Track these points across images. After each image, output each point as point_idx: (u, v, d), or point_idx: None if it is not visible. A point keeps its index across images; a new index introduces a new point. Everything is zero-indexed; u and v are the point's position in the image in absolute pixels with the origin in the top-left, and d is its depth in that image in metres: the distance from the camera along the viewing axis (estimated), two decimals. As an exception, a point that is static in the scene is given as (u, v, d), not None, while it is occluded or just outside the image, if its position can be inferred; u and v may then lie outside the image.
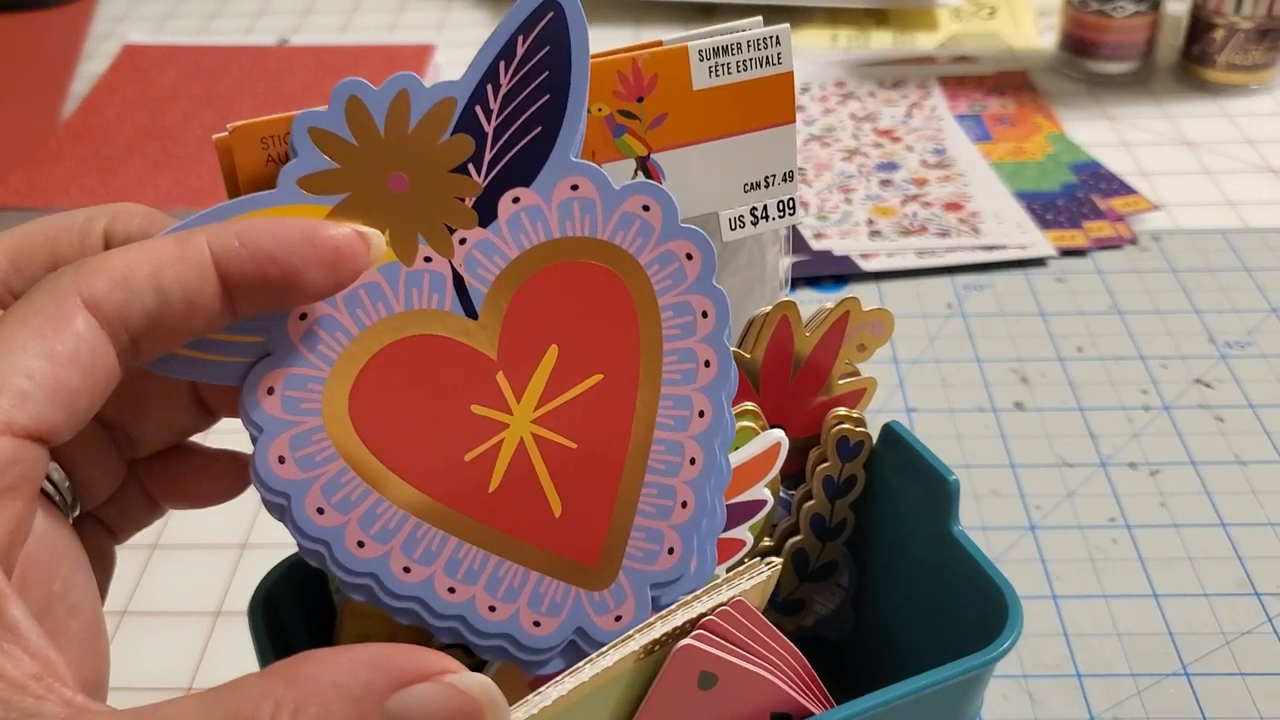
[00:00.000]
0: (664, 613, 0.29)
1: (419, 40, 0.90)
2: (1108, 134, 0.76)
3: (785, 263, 0.37)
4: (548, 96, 0.29)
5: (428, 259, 0.28)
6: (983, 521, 0.49)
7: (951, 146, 0.74)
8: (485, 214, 0.29)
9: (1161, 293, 0.62)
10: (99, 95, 0.83)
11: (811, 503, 0.37)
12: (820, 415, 0.37)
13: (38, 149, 0.76)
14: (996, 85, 0.81)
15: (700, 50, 0.31)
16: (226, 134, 0.28)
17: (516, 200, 0.29)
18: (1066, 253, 0.65)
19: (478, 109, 0.28)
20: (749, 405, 0.34)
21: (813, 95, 0.80)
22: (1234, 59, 0.77)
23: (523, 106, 0.28)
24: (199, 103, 0.81)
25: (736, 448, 0.34)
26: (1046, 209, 0.68)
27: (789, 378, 0.36)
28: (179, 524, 0.51)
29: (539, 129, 0.29)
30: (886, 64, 0.85)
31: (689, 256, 0.30)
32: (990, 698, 0.42)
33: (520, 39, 0.28)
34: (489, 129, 0.28)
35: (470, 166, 0.28)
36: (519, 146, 0.29)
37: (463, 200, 0.28)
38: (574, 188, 0.29)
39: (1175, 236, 0.66)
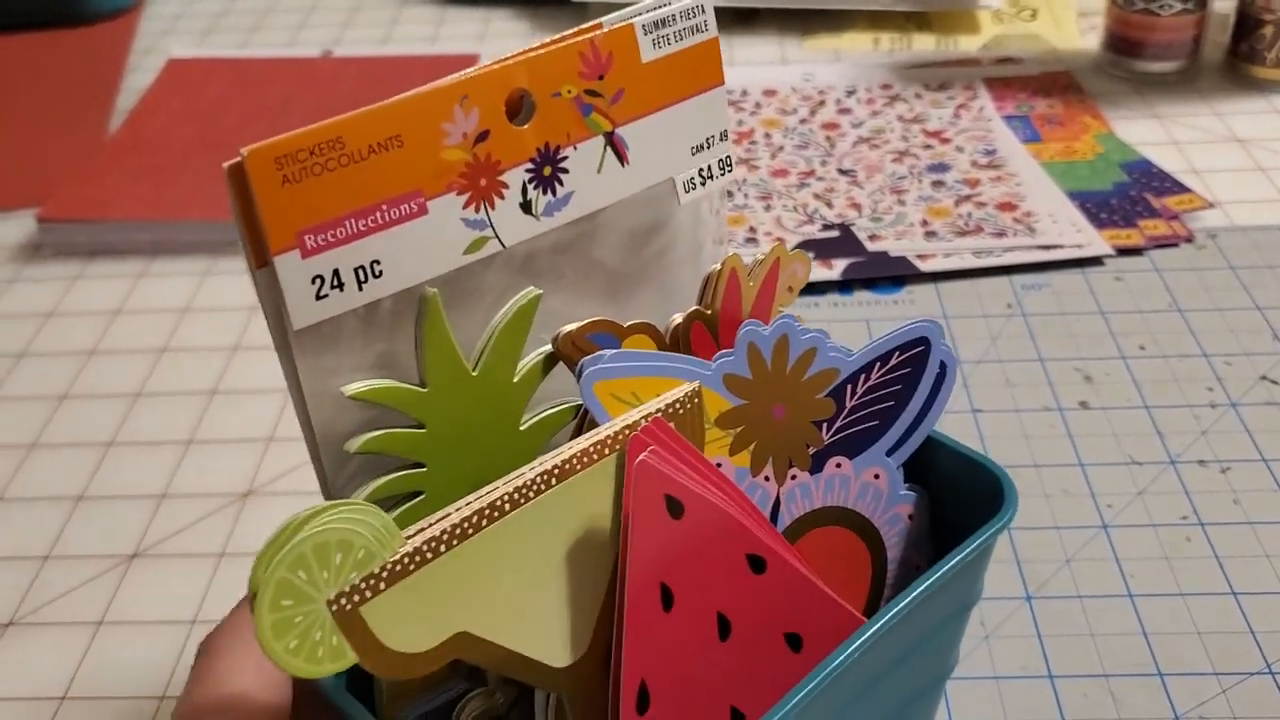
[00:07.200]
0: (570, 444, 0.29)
1: (461, 51, 0.90)
2: (1157, 133, 0.75)
3: (724, 216, 0.39)
4: (892, 403, 0.35)
5: (766, 478, 0.34)
6: (1054, 521, 0.48)
7: (1002, 147, 0.74)
8: (815, 464, 0.35)
9: (1221, 290, 0.61)
10: (145, 109, 0.84)
11: None
12: None
13: (85, 163, 0.77)
14: (1042, 86, 0.81)
15: (644, 25, 0.33)
16: (240, 159, 0.27)
17: (839, 466, 0.35)
18: (1123, 251, 0.64)
19: (848, 387, 0.34)
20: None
21: (859, 98, 0.80)
22: (1282, 56, 0.77)
23: (873, 402, 0.35)
24: (248, 115, 0.82)
25: None
26: (1100, 208, 0.68)
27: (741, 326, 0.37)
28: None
29: (876, 423, 0.35)
30: (931, 66, 0.84)
31: (910, 518, 0.37)
32: (1072, 697, 0.42)
33: (896, 353, 0.35)
34: (848, 404, 0.35)
35: (824, 424, 0.35)
36: (858, 429, 0.35)
37: (807, 446, 0.35)
38: (875, 476, 0.36)
39: (1232, 234, 0.66)
